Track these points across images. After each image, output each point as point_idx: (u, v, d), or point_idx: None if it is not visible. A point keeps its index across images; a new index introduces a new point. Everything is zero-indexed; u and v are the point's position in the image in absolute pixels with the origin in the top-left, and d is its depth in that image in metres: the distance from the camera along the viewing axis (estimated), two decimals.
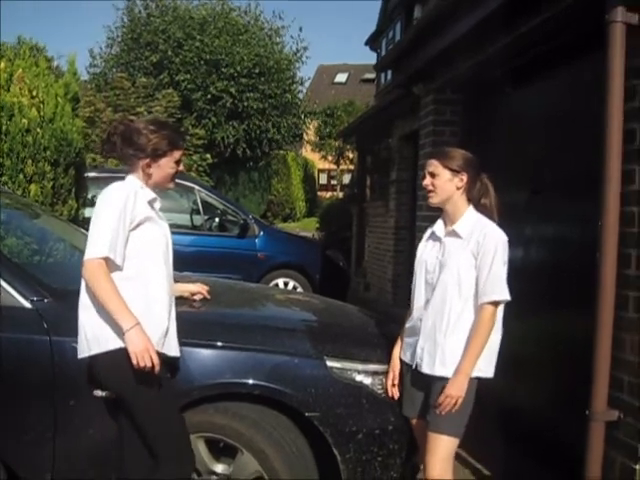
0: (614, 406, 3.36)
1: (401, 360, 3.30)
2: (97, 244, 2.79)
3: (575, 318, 3.95)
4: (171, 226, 3.22)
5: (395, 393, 3.29)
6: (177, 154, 3.05)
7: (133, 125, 3.04)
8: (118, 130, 3.03)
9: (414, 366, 3.16)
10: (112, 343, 2.80)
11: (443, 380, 2.99)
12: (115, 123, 3.12)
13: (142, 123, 3.06)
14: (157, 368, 2.77)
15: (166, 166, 3.02)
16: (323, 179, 41.10)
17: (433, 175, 3.15)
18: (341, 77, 43.69)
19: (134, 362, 2.73)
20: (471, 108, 5.72)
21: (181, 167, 3.11)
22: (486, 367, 3.04)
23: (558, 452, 4.03)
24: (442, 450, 3.01)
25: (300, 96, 25.64)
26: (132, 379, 2.79)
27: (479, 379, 3.04)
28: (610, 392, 3.35)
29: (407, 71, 6.17)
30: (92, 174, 8.38)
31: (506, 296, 2.99)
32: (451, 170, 3.11)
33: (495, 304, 2.97)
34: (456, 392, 2.94)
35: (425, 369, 3.08)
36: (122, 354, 2.77)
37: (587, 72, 4.01)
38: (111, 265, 2.81)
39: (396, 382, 3.29)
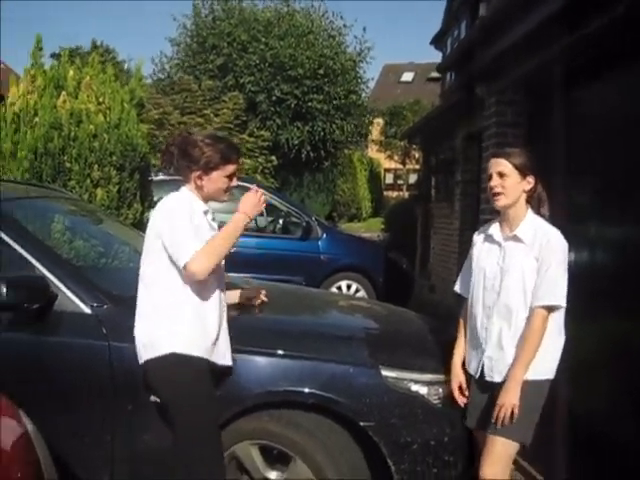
0: None
1: (464, 370, 3.21)
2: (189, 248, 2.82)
3: None
4: None
5: (462, 400, 3.18)
6: (230, 168, 3.05)
7: (190, 137, 3.07)
8: (176, 141, 3.08)
9: (477, 375, 3.09)
10: (163, 349, 2.84)
11: None
12: (175, 134, 3.18)
13: (200, 136, 3.09)
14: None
15: (218, 180, 3.03)
16: (389, 179, 40.92)
17: (502, 175, 3.00)
18: (407, 76, 43.49)
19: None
20: (534, 109, 5.59)
21: (234, 182, 3.10)
22: (547, 370, 2.96)
23: (623, 459, 3.90)
24: (498, 452, 2.94)
25: (364, 96, 25.47)
26: (179, 387, 2.85)
27: (548, 381, 2.96)
28: None
29: (469, 73, 6.09)
30: (158, 177, 8.48)
31: (560, 302, 2.88)
32: (520, 171, 2.99)
33: (548, 309, 2.88)
34: (509, 400, 2.87)
35: (497, 378, 2.99)
36: (172, 360, 2.83)
37: None
38: (172, 273, 2.88)
39: (464, 388, 3.18)
